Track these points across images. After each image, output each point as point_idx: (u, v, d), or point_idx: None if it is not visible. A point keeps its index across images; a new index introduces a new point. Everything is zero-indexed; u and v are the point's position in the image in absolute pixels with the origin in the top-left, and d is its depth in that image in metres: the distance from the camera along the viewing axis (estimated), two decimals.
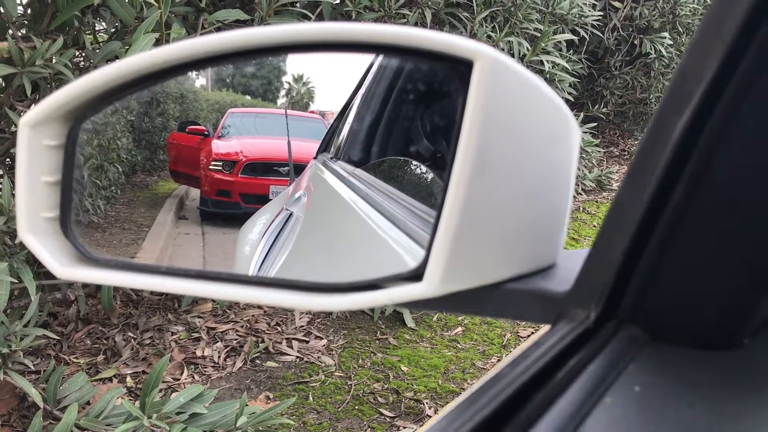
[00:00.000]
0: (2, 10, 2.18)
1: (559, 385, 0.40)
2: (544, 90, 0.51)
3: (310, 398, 3.00)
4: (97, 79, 0.51)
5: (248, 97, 1.22)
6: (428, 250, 0.48)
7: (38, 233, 0.54)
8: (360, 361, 3.32)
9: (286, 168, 1.41)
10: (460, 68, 0.46)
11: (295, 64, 1.11)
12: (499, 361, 3.39)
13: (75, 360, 3.16)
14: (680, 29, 7.32)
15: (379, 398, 3.02)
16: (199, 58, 0.52)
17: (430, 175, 0.82)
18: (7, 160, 2.68)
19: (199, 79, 1.20)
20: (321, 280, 0.52)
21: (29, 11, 2.55)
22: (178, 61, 0.51)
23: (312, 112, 1.28)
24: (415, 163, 0.94)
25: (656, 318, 0.47)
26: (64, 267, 0.54)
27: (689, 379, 0.43)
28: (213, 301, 3.64)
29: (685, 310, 0.47)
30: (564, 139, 0.54)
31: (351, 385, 3.11)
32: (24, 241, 0.53)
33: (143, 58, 0.51)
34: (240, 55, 0.51)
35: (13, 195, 2.12)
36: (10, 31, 2.21)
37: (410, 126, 0.96)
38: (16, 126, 2.47)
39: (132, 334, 3.38)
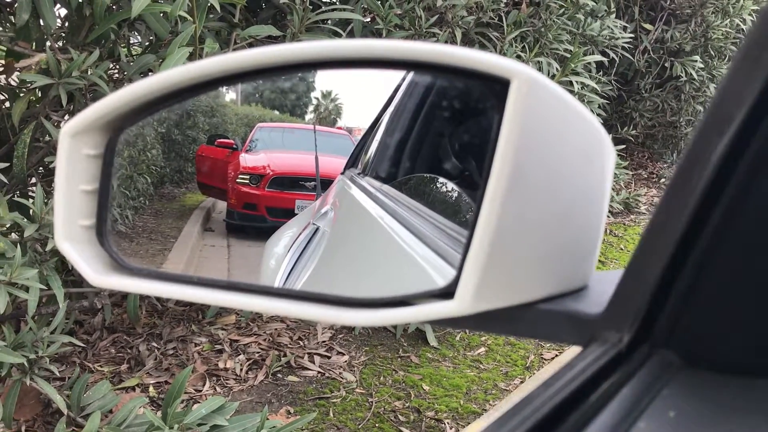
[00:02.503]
0: (42, 23, 2.23)
1: (592, 407, 0.39)
2: (580, 109, 0.51)
3: (331, 414, 2.99)
4: (137, 91, 0.52)
5: (277, 112, 1.23)
6: (460, 267, 0.48)
7: (74, 241, 0.54)
8: (381, 378, 3.31)
9: (313, 183, 1.42)
10: (496, 87, 0.46)
11: (324, 80, 1.12)
12: (522, 383, 3.35)
13: (99, 368, 3.19)
14: (712, 52, 7.26)
15: (399, 416, 3.00)
16: (236, 73, 0.52)
17: (459, 193, 0.82)
18: (40, 168, 2.73)
19: (229, 94, 1.22)
20: (351, 295, 0.52)
21: (67, 24, 2.61)
22: (216, 75, 0.52)
23: (339, 128, 1.29)
24: (443, 180, 0.94)
25: (690, 343, 0.46)
26: (98, 275, 0.54)
27: (725, 404, 0.42)
28: (236, 313, 3.66)
29: (720, 335, 0.46)
30: (598, 159, 0.54)
31: (372, 402, 3.09)
32: (60, 248, 0.54)
33: (182, 71, 0.52)
34: (277, 71, 0.52)
35: (45, 203, 2.16)
36: (49, 43, 2.26)
37: (440, 143, 0.96)
38: (50, 136, 2.52)
39: (156, 344, 3.40)
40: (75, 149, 0.53)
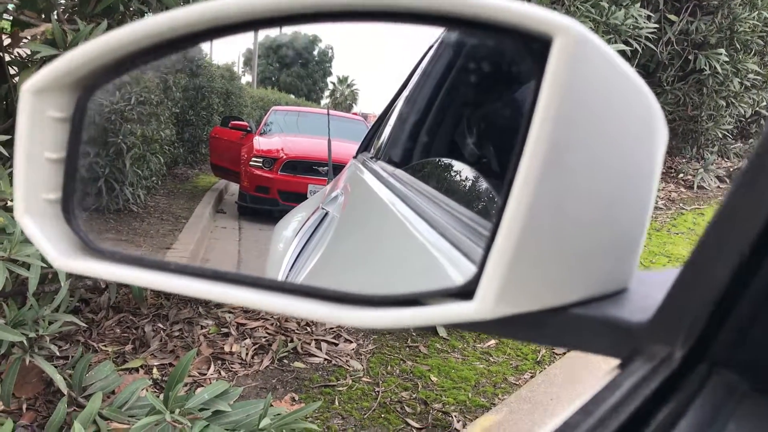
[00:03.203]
0: None
1: None
2: (632, 76, 0.42)
3: (336, 402, 2.93)
4: (112, 42, 0.44)
5: (293, 96, 1.21)
6: (482, 263, 0.40)
7: (36, 216, 0.47)
8: (389, 367, 3.25)
9: (326, 168, 1.40)
10: (535, 45, 0.38)
11: (341, 64, 1.07)
12: (532, 377, 3.28)
13: (103, 348, 3.15)
14: (738, 46, 7.09)
15: (406, 407, 2.94)
16: (234, 22, 0.44)
17: (481, 179, 0.74)
18: None
19: (245, 77, 1.20)
20: (354, 290, 0.45)
21: None
22: (209, 24, 0.44)
23: (354, 113, 1.24)
24: (462, 165, 0.86)
25: (761, 363, 0.38)
26: (63, 257, 0.47)
27: None
28: None
29: None
30: (650, 139, 0.46)
31: (378, 391, 3.03)
32: (20, 223, 0.47)
33: (172, 18, 0.44)
34: (283, 20, 0.44)
35: None
36: (56, 13, 2.19)
37: (461, 123, 0.88)
38: None
39: (162, 326, 3.36)
40: (38, 110, 0.46)
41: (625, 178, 0.44)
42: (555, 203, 0.39)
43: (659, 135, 0.47)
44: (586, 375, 3.08)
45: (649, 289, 0.48)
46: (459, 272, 0.53)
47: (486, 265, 0.40)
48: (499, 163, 0.72)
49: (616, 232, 0.46)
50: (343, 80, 1.16)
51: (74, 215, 0.48)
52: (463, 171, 0.85)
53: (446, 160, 0.97)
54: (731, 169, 8.49)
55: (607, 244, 0.45)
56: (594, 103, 0.39)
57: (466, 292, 0.41)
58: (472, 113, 0.89)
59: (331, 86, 1.18)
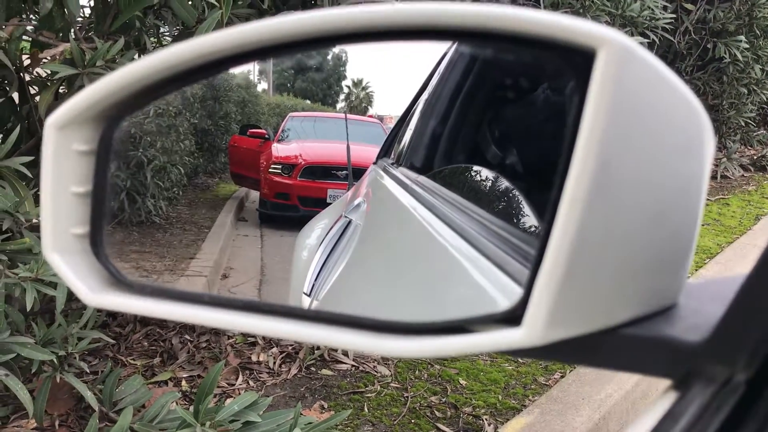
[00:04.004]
0: (66, 11, 2.17)
1: None
2: (680, 87, 0.40)
3: (366, 409, 2.92)
4: (136, 72, 0.43)
5: (308, 102, 1.21)
6: (528, 286, 0.39)
7: (65, 252, 0.46)
8: (417, 372, 3.23)
9: (345, 172, 1.39)
10: (576, 58, 0.36)
11: (355, 67, 1.06)
12: (562, 377, 3.24)
13: (132, 361, 3.16)
14: (757, 32, 6.98)
15: (436, 412, 2.92)
16: (254, 48, 0.43)
17: (513, 188, 0.72)
18: None
19: (261, 84, 1.20)
20: (395, 318, 0.43)
21: (91, 14, 2.56)
22: (227, 52, 0.43)
23: (371, 116, 1.23)
24: (490, 172, 0.84)
25: None
26: (94, 293, 0.46)
27: None
28: None
29: None
30: (698, 150, 0.44)
31: (407, 397, 3.01)
32: (49, 260, 0.46)
33: (194, 46, 0.43)
34: (300, 46, 0.43)
35: None
36: (73, 33, 2.20)
37: (483, 127, 0.86)
38: None
39: (189, 337, 3.37)
40: (63, 144, 0.45)
41: (674, 192, 0.42)
42: (603, 222, 0.38)
43: (707, 145, 0.45)
44: (618, 374, 3.03)
45: (699, 303, 0.46)
46: (500, 293, 0.51)
47: (533, 289, 0.38)
48: (526, 169, 0.70)
49: (665, 247, 0.44)
50: (357, 83, 1.15)
51: (103, 249, 0.47)
52: (491, 178, 0.83)
53: (472, 166, 0.95)
54: (755, 157, 8.36)
55: (656, 259, 0.43)
56: (642, 117, 0.37)
57: (512, 317, 0.39)
58: (497, 118, 0.87)
59: (346, 89, 1.17)
